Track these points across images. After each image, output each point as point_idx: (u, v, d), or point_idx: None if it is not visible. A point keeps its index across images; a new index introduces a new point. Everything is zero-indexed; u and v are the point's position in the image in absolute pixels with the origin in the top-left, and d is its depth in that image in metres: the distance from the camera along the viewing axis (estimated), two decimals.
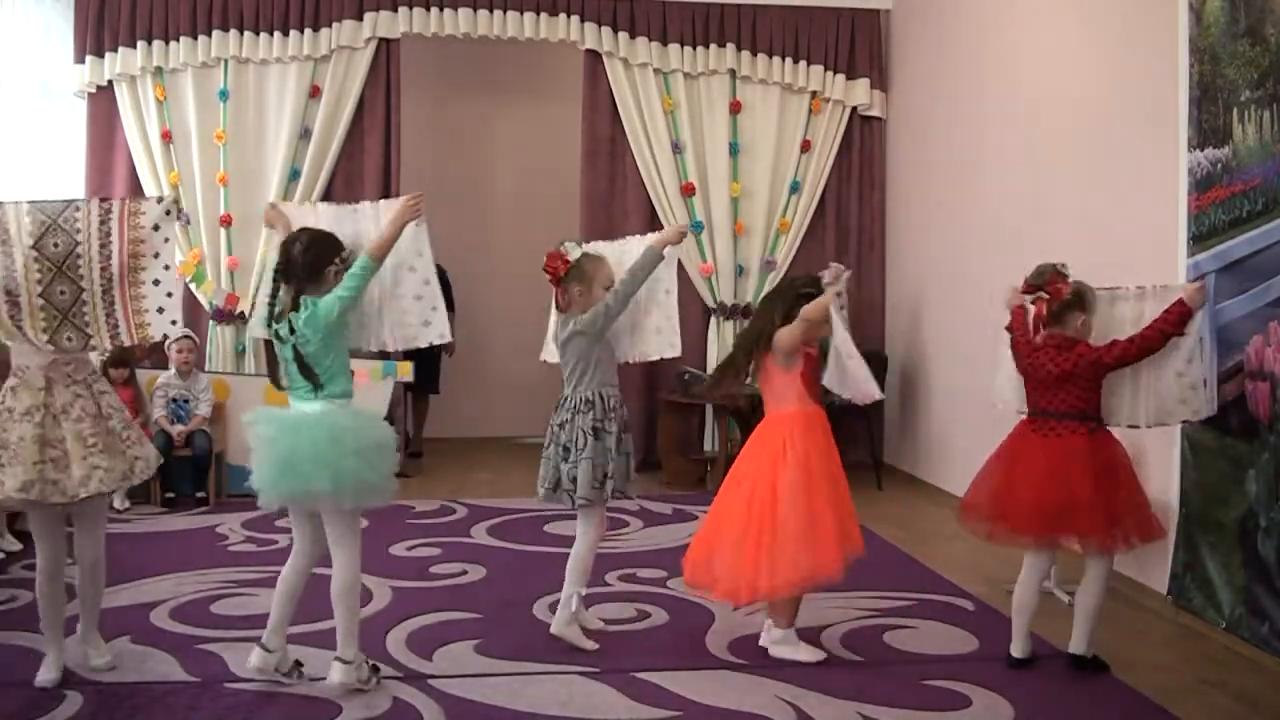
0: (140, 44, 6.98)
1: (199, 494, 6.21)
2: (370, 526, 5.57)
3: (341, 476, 3.28)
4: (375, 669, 3.50)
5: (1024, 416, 3.82)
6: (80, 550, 3.49)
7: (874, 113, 7.55)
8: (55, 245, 3.28)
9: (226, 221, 7.02)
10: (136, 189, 7.03)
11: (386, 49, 7.21)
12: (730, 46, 7.37)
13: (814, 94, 7.47)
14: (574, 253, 3.90)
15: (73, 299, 3.30)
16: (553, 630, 3.88)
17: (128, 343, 3.45)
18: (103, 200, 3.38)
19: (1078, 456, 3.58)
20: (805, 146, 7.47)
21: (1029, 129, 5.65)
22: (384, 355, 7.04)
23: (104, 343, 3.38)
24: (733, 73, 7.38)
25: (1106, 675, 3.64)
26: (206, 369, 6.74)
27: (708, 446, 7.23)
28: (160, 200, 3.43)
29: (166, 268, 3.42)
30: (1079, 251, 4.72)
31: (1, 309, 3.24)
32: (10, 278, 3.24)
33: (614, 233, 7.40)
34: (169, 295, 3.42)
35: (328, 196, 7.16)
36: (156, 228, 3.40)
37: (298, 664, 3.53)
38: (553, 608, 4.24)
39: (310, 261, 3.40)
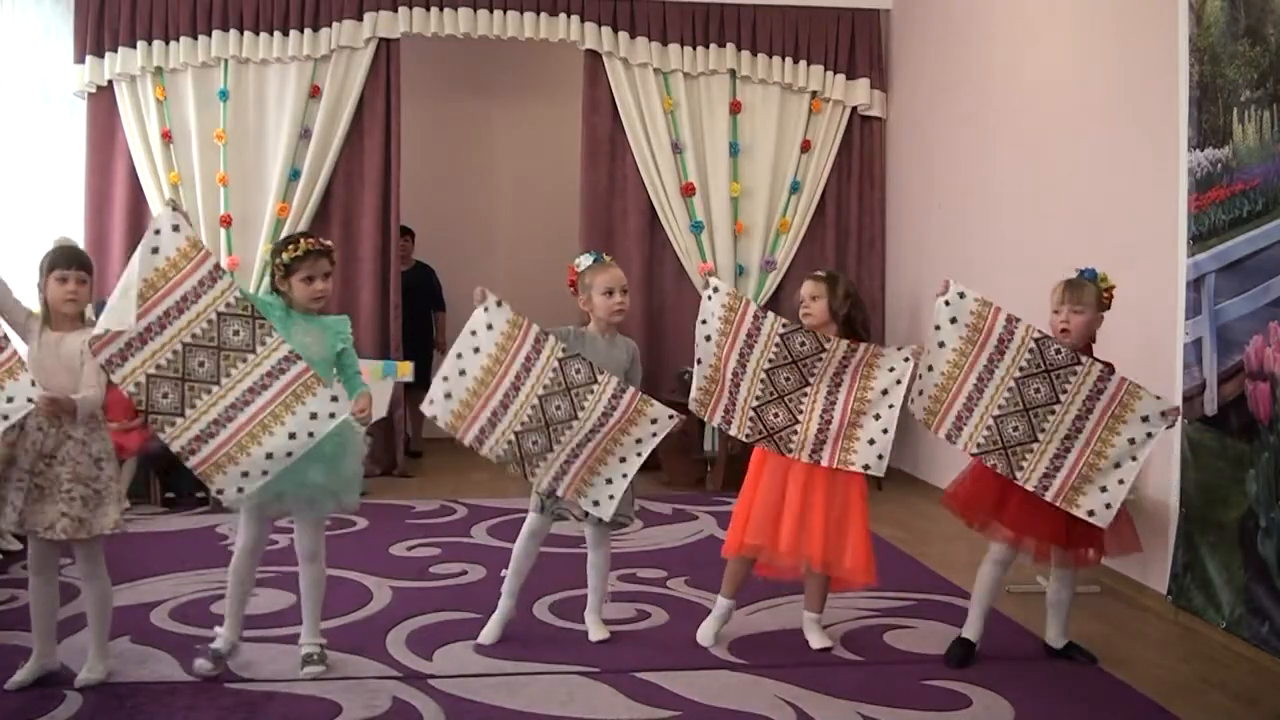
0: (140, 44, 6.98)
1: (199, 494, 6.20)
2: (370, 526, 5.59)
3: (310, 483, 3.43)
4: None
5: None
6: (83, 579, 3.49)
7: (874, 113, 7.55)
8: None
9: (226, 222, 7.02)
10: (136, 189, 7.03)
11: (386, 49, 7.21)
12: (730, 46, 7.36)
13: (814, 94, 7.47)
14: (584, 263, 3.92)
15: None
16: (598, 640, 3.92)
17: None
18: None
19: None
20: (805, 146, 7.46)
21: (1029, 129, 5.65)
22: (384, 355, 7.08)
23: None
24: (733, 73, 7.37)
25: (1103, 674, 3.64)
26: None
27: (708, 447, 7.22)
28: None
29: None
30: (1078, 251, 4.73)
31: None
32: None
33: (614, 233, 7.45)
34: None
35: (328, 196, 7.18)
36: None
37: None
38: (553, 608, 4.25)
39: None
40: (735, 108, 7.38)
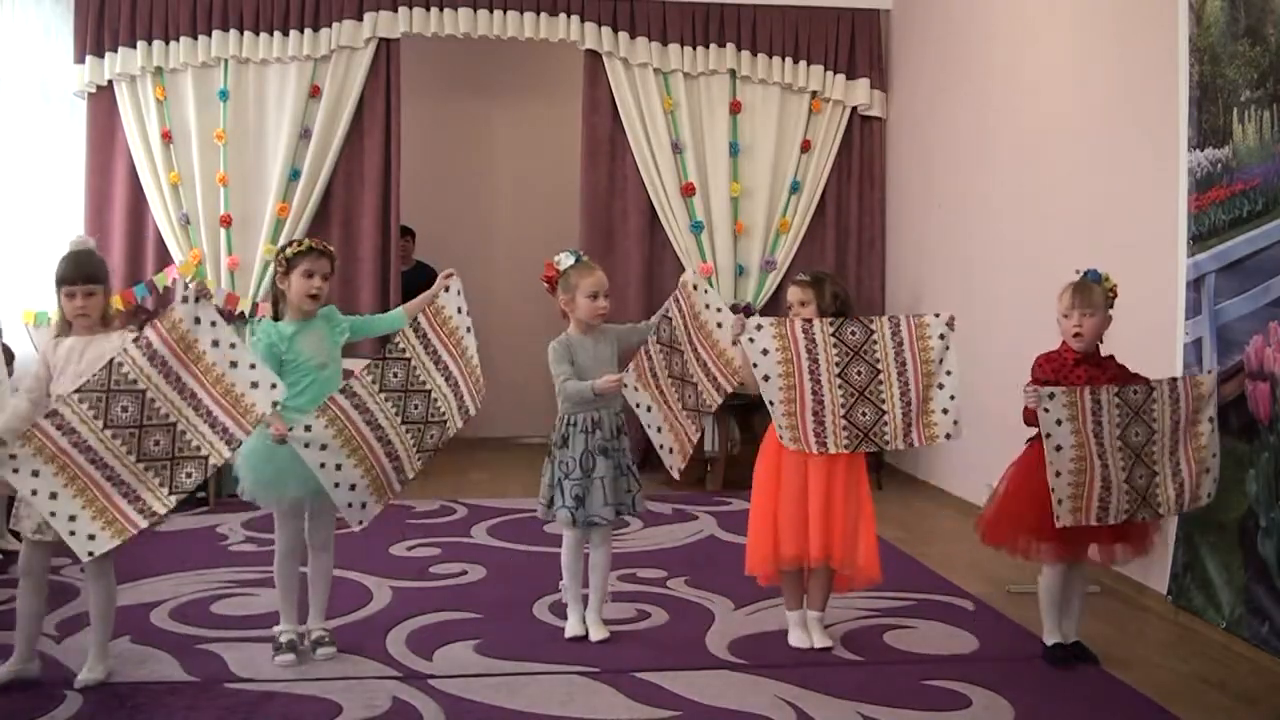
0: (140, 44, 6.97)
1: (199, 494, 6.20)
2: (370, 526, 5.56)
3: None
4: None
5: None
6: (89, 579, 3.50)
7: (874, 113, 7.55)
8: (124, 409, 3.26)
9: (226, 222, 7.01)
10: (136, 189, 7.03)
11: (386, 49, 7.20)
12: (730, 46, 7.36)
13: (814, 94, 7.46)
14: (565, 262, 3.92)
15: (170, 440, 3.30)
16: (598, 640, 3.92)
17: (242, 437, 3.34)
18: (136, 339, 3.32)
19: None
20: (805, 146, 7.46)
21: (1029, 129, 5.65)
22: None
23: (221, 455, 3.31)
24: (733, 73, 7.37)
25: (1103, 674, 3.64)
26: None
27: (708, 446, 7.23)
28: (185, 300, 3.35)
29: (233, 346, 3.34)
30: (1078, 251, 4.73)
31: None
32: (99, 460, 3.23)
33: (614, 233, 7.45)
34: (252, 366, 3.36)
35: (328, 196, 7.17)
36: (197, 320, 3.33)
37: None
38: (553, 608, 4.25)
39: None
40: (735, 108, 7.38)
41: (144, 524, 3.26)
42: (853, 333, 3.79)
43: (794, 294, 3.91)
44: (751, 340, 3.79)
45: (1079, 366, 3.75)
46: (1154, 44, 4.45)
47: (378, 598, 4.42)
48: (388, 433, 3.57)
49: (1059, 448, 3.61)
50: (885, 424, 3.80)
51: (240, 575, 4.72)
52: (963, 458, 6.09)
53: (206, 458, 3.31)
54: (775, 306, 7.41)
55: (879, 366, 3.80)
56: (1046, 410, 3.61)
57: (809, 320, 3.80)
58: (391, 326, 3.93)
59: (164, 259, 7.02)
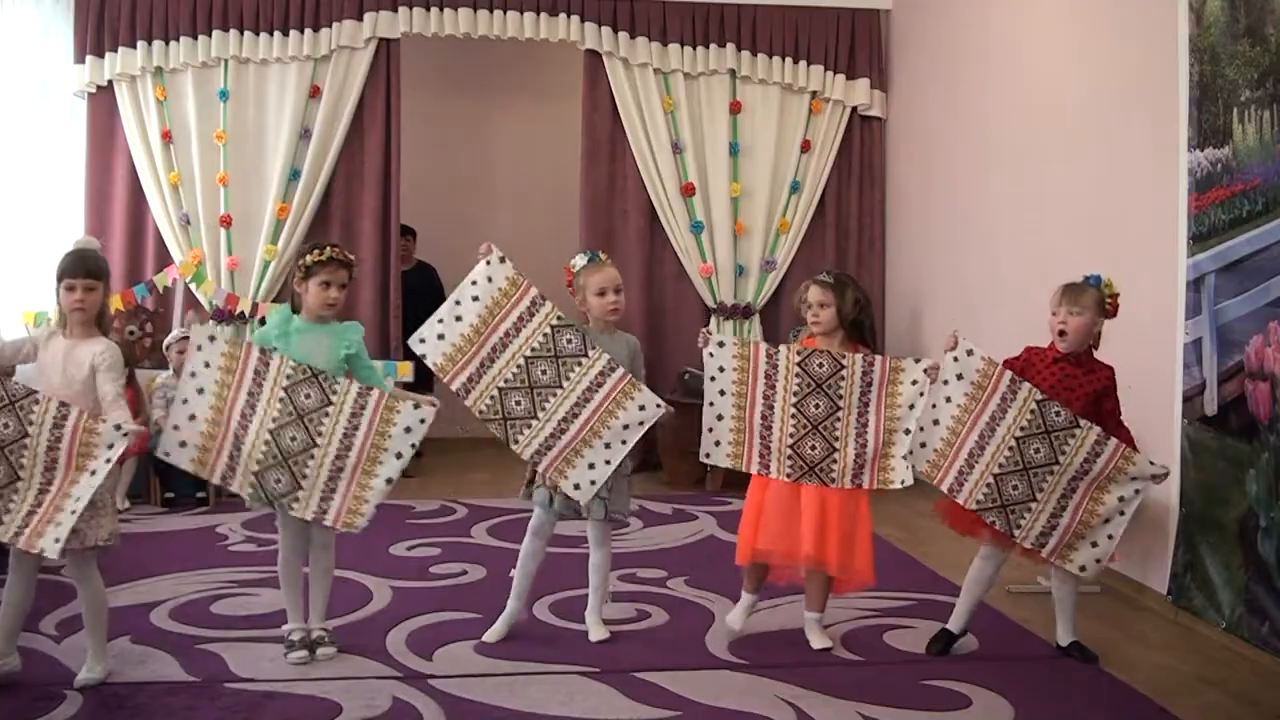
0: (140, 44, 6.97)
1: (199, 494, 6.20)
2: (370, 526, 5.56)
3: None
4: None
5: None
6: (75, 582, 3.49)
7: (874, 113, 7.55)
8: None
9: (226, 222, 7.01)
10: (136, 189, 7.03)
11: (386, 49, 7.21)
12: (730, 46, 7.36)
13: (814, 94, 7.46)
14: (579, 263, 3.93)
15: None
16: (598, 640, 3.92)
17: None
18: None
19: None
20: (805, 146, 7.46)
21: (1029, 129, 5.65)
22: (384, 355, 7.08)
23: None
24: (733, 73, 7.37)
25: (1103, 674, 3.64)
26: None
27: None
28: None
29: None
30: (1078, 251, 4.74)
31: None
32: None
33: (614, 233, 7.45)
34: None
35: (328, 196, 7.18)
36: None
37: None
38: (553, 608, 4.25)
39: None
40: (735, 108, 7.38)
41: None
42: (820, 365, 3.75)
43: (814, 294, 3.86)
44: (711, 355, 3.82)
45: (1055, 364, 3.76)
46: (1154, 44, 4.45)
47: (378, 598, 4.42)
48: (250, 425, 3.50)
49: (948, 399, 3.70)
50: (834, 461, 3.77)
51: (240, 575, 4.71)
52: None
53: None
54: (775, 306, 7.42)
55: (839, 403, 3.75)
56: (955, 359, 3.68)
57: (774, 346, 3.80)
58: (369, 379, 3.72)
59: (164, 259, 7.02)
